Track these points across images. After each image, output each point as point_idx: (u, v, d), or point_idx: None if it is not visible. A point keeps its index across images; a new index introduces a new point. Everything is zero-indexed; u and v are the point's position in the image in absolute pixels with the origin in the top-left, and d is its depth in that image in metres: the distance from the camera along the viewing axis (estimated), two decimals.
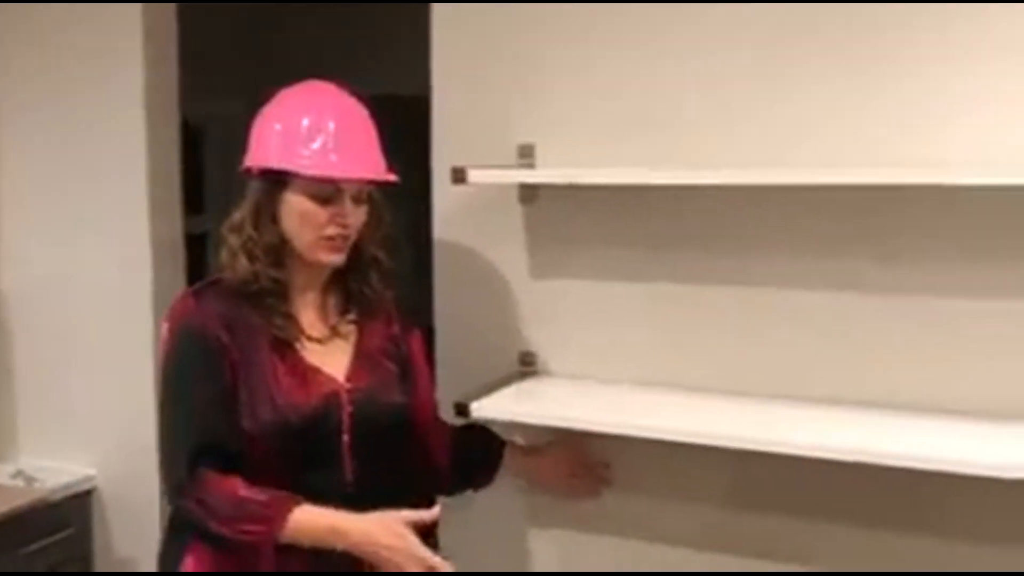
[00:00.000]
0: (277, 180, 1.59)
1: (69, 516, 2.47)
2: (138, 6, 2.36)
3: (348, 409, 1.61)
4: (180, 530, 1.63)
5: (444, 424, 1.83)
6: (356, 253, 1.66)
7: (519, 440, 1.93)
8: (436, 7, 2.00)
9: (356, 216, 1.61)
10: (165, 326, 1.64)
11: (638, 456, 1.88)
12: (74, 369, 2.53)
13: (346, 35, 3.49)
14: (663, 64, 1.84)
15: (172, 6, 2.44)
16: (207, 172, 3.88)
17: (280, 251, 1.61)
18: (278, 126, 1.61)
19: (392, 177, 1.65)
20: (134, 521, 2.49)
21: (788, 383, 1.79)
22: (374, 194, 1.66)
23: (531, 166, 1.91)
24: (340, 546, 1.52)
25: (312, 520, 1.52)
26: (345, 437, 1.60)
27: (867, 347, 1.74)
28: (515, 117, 1.94)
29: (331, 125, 1.59)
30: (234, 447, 1.55)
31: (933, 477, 1.51)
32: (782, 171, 1.69)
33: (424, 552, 1.52)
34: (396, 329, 1.73)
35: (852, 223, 1.73)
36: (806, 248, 1.77)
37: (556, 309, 1.96)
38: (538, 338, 1.98)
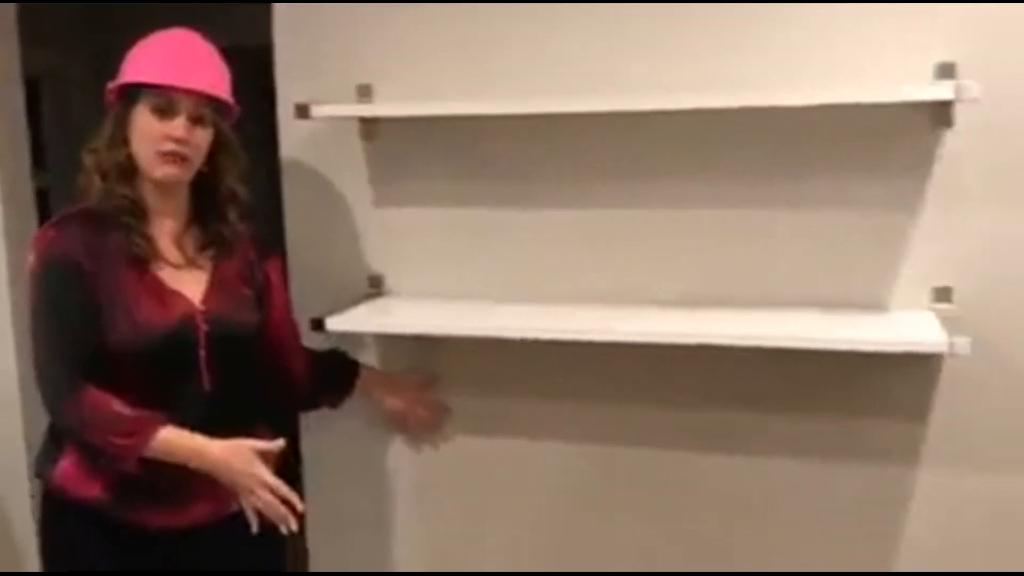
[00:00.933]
0: (128, 100, 1.73)
1: None
2: None
3: (204, 328, 1.76)
4: (56, 437, 1.77)
5: (302, 346, 2.02)
6: (213, 188, 1.81)
7: (374, 365, 2.15)
8: None
9: (194, 136, 1.73)
10: (30, 257, 1.74)
11: (477, 361, 2.13)
12: None
13: None
14: (487, 11, 2.04)
15: None
16: (45, 128, 3.84)
17: (130, 170, 1.74)
18: (132, 54, 1.77)
19: (227, 98, 1.77)
20: None
21: (612, 291, 2.04)
22: (225, 129, 1.79)
23: (368, 103, 2.09)
24: (197, 466, 1.69)
25: (175, 440, 1.68)
26: (202, 352, 1.76)
27: (691, 255, 2.00)
28: (353, 60, 2.11)
29: (176, 49, 1.76)
30: (105, 363, 1.69)
31: (770, 358, 1.84)
32: (599, 99, 1.92)
33: (271, 479, 1.70)
34: (252, 255, 1.89)
35: (673, 144, 1.97)
36: (631, 171, 2.01)
37: (399, 235, 2.16)
38: (384, 262, 2.18)
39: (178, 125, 1.71)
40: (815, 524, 2.02)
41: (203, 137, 1.75)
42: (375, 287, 2.18)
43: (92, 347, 1.69)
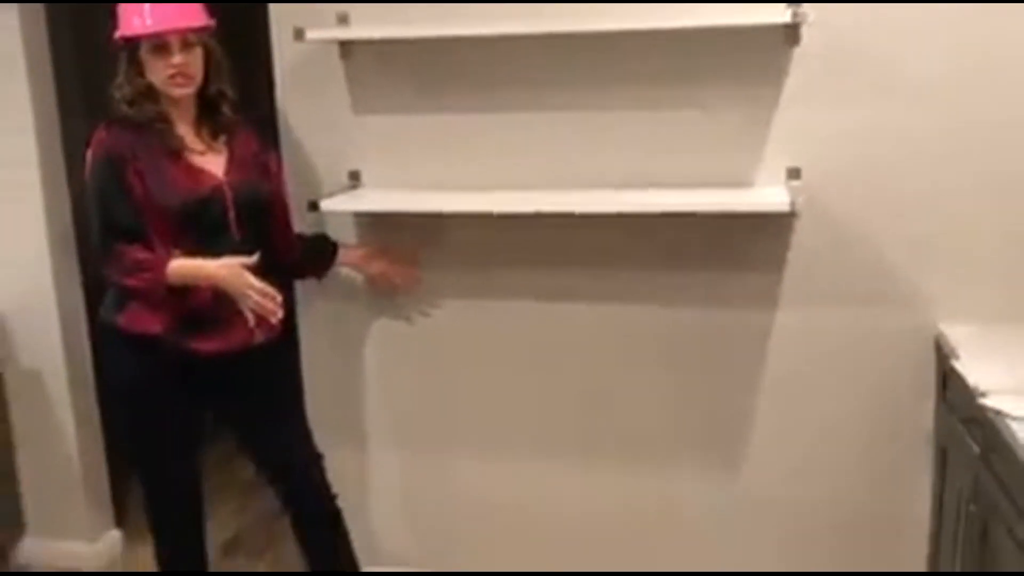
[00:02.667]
0: (131, 47, 2.21)
1: None
2: None
3: (230, 194, 2.29)
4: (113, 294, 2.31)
5: (291, 226, 2.54)
6: (205, 90, 2.29)
7: (352, 242, 2.68)
8: None
9: (188, 58, 2.21)
10: (88, 152, 2.26)
11: (438, 236, 2.66)
12: None
13: None
14: None
15: None
16: None
17: (149, 93, 2.23)
18: (121, 5, 2.23)
19: (202, 24, 2.22)
20: (34, 341, 3.05)
21: (548, 177, 2.55)
22: (210, 44, 2.27)
23: (346, 27, 2.57)
24: (203, 282, 2.21)
25: (184, 265, 2.22)
26: (231, 213, 2.29)
27: (614, 147, 2.50)
28: None
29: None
30: (133, 228, 2.20)
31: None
32: (534, 22, 2.40)
33: (257, 283, 2.20)
34: (256, 147, 2.41)
35: (594, 58, 2.46)
36: (559, 81, 2.51)
37: (372, 137, 2.67)
38: (360, 160, 2.69)
39: (174, 57, 2.21)
40: (699, 360, 2.60)
41: (196, 57, 2.24)
42: (354, 180, 2.70)
43: (128, 219, 2.20)
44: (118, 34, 2.23)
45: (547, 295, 2.67)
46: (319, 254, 2.61)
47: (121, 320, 2.28)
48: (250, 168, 2.36)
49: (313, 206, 2.52)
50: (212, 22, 2.28)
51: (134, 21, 2.20)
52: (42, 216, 2.95)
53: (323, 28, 2.54)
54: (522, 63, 2.54)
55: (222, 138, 2.34)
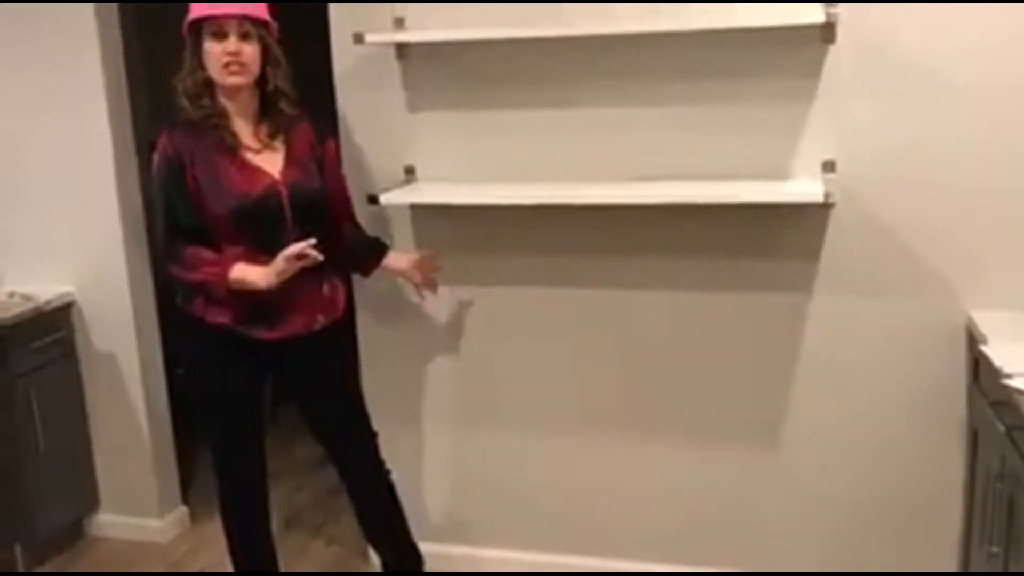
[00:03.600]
0: (195, 35, 2.34)
1: (58, 323, 3.19)
2: None
3: (285, 193, 2.40)
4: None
5: (353, 214, 2.67)
6: (264, 88, 2.40)
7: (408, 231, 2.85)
8: None
9: (244, 49, 2.29)
10: (154, 155, 2.41)
11: (488, 226, 2.80)
12: (48, 210, 3.18)
13: None
14: None
15: None
16: None
17: (208, 87, 2.35)
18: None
19: (260, 15, 2.32)
20: (108, 324, 3.25)
21: (592, 171, 2.67)
22: (268, 39, 2.37)
23: (403, 31, 2.73)
24: (251, 285, 2.34)
25: (237, 272, 2.34)
26: (288, 212, 2.41)
27: (648, 142, 2.62)
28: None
29: None
30: (194, 228, 2.35)
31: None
32: (576, 25, 2.53)
33: (280, 262, 2.30)
34: (313, 138, 2.51)
35: (631, 59, 2.57)
36: (603, 79, 2.63)
37: (426, 134, 2.81)
38: (415, 155, 2.84)
39: (230, 43, 2.32)
40: (736, 346, 2.72)
41: (252, 49, 2.34)
42: (409, 174, 2.85)
43: (189, 219, 2.34)
44: (186, 23, 2.34)
45: (589, 282, 2.80)
46: (368, 251, 2.70)
47: (194, 308, 2.45)
48: (307, 165, 2.46)
49: (372, 199, 2.68)
50: (271, 20, 2.40)
51: (200, 6, 2.31)
52: (115, 205, 3.14)
53: (380, 31, 2.69)
54: (565, 62, 2.66)
55: (280, 136, 2.44)
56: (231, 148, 2.37)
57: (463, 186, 2.77)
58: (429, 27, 2.70)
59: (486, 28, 2.62)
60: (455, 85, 2.76)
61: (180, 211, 2.36)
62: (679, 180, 2.62)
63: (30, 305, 3.09)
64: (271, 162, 2.42)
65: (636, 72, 2.64)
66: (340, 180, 2.62)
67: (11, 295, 3.16)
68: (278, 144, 2.44)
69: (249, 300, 2.38)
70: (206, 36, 2.32)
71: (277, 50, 2.41)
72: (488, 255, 2.85)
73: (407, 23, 2.73)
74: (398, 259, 2.71)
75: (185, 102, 2.36)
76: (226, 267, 2.35)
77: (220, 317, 2.43)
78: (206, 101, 2.36)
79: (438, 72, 2.76)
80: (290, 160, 2.44)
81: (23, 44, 3.09)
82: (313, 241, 2.34)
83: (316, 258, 2.34)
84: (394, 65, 2.78)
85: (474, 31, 2.63)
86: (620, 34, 2.55)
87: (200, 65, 2.35)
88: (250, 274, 2.35)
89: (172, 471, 3.44)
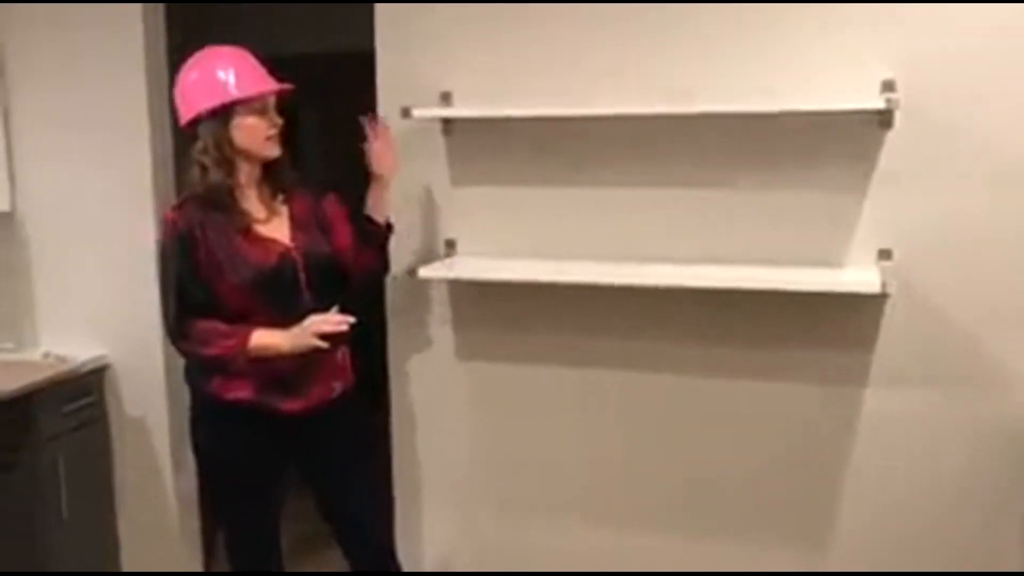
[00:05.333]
0: (222, 114, 2.30)
1: (90, 386, 3.16)
2: None
3: (299, 259, 2.37)
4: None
5: (360, 250, 2.54)
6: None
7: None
8: None
9: (278, 119, 2.34)
10: (160, 234, 2.39)
11: (526, 303, 2.74)
12: (83, 271, 3.18)
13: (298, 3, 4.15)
14: (542, 34, 2.64)
15: None
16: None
17: (234, 163, 2.33)
18: (194, 77, 2.34)
19: (290, 86, 2.36)
20: (140, 389, 3.21)
21: (634, 251, 2.62)
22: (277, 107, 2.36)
23: (449, 107, 2.71)
24: (276, 351, 2.28)
25: (262, 338, 2.29)
26: (302, 277, 2.37)
27: (692, 225, 2.57)
28: (436, 73, 2.72)
29: (241, 63, 2.34)
30: (206, 304, 2.30)
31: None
32: (627, 106, 2.51)
33: (313, 326, 2.27)
34: (312, 201, 2.48)
35: (680, 139, 2.54)
36: (648, 158, 2.60)
37: (469, 208, 2.78)
38: (457, 229, 2.80)
39: (274, 117, 2.34)
40: (782, 439, 2.61)
41: (278, 118, 2.37)
42: (450, 248, 2.80)
43: (197, 295, 2.29)
44: (208, 106, 2.28)
45: (629, 365, 2.72)
46: (371, 238, 2.56)
47: (212, 388, 2.37)
48: (312, 227, 2.43)
49: (412, 273, 2.63)
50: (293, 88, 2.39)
51: (230, 88, 2.28)
52: (154, 269, 3.11)
53: (428, 106, 2.67)
54: (612, 141, 2.63)
55: (280, 197, 2.42)
56: (243, 226, 2.35)
57: (503, 262, 2.72)
58: (476, 100, 2.68)
59: (532, 105, 2.60)
60: (499, 160, 2.73)
61: (192, 287, 2.31)
62: (726, 265, 2.54)
63: (64, 367, 3.07)
64: (278, 229, 2.40)
65: (683, 153, 2.59)
66: (349, 233, 2.51)
67: (46, 355, 3.14)
68: (279, 207, 2.43)
69: (268, 371, 2.33)
70: (244, 113, 2.31)
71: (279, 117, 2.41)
72: (525, 332, 2.79)
73: (454, 97, 2.71)
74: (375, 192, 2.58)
75: (200, 174, 2.32)
76: (243, 338, 2.30)
77: (240, 392, 2.35)
78: (220, 177, 2.32)
79: (483, 147, 2.73)
80: (295, 225, 2.43)
81: (69, 101, 3.12)
82: (352, 320, 2.31)
83: (343, 329, 2.31)
84: (439, 139, 2.76)
85: (519, 108, 2.60)
86: (667, 114, 2.51)
87: (228, 140, 2.31)
88: (274, 338, 2.30)
89: (196, 539, 3.37)
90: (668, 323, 2.67)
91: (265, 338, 2.31)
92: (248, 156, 2.35)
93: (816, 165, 2.49)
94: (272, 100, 2.35)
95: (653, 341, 2.69)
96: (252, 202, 2.39)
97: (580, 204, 2.69)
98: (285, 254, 2.36)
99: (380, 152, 2.54)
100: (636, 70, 2.58)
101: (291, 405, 2.37)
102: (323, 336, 2.29)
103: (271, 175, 2.42)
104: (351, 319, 2.31)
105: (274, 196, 2.42)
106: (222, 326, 2.31)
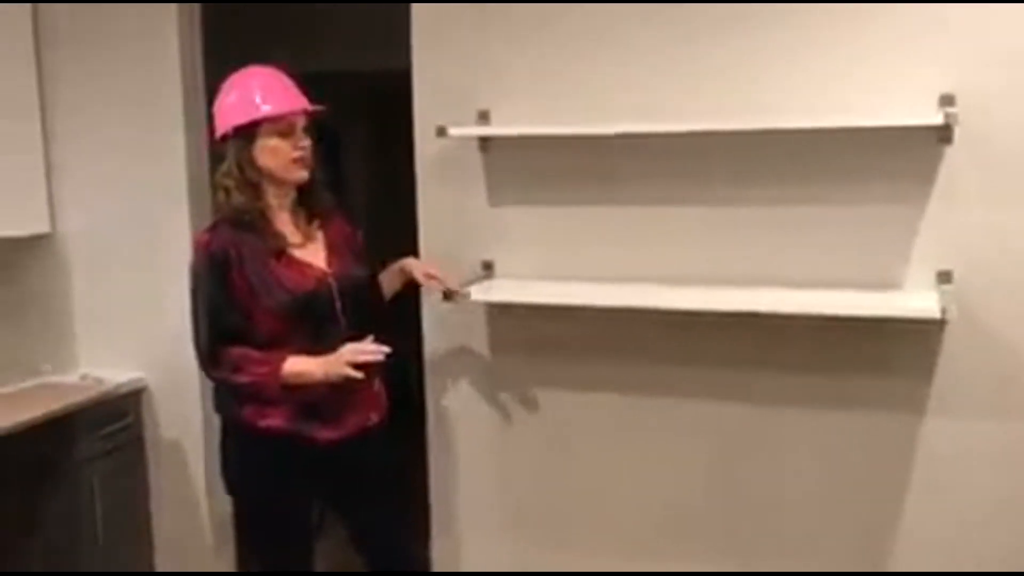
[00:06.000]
0: (247, 134, 2.25)
1: (127, 408, 3.14)
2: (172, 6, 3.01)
3: (335, 285, 2.31)
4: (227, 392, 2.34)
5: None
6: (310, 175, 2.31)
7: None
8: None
9: (306, 141, 2.26)
10: (192, 255, 2.32)
11: (568, 325, 2.65)
12: (121, 294, 3.17)
13: (336, 21, 4.13)
14: (585, 49, 2.56)
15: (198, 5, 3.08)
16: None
17: (259, 186, 2.27)
18: (232, 98, 2.29)
19: (318, 109, 2.29)
20: (176, 412, 3.19)
21: (679, 273, 2.53)
22: (312, 129, 2.30)
23: (487, 125, 2.64)
24: (311, 378, 2.20)
25: (296, 364, 2.21)
26: (338, 303, 2.31)
27: (741, 245, 2.47)
28: (473, 91, 2.65)
29: (270, 83, 2.28)
30: (238, 329, 2.23)
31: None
32: (669, 123, 2.42)
33: (349, 354, 2.18)
34: (348, 229, 2.44)
35: (729, 157, 2.44)
36: (694, 177, 2.51)
37: (507, 229, 2.71)
38: (495, 250, 2.72)
39: (300, 139, 2.27)
40: (837, 469, 2.48)
41: (309, 141, 2.29)
42: (487, 269, 2.73)
43: (229, 321, 2.22)
44: (236, 123, 2.23)
45: (675, 392, 2.61)
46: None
47: (245, 415, 2.30)
48: (348, 254, 2.39)
49: (448, 296, 2.56)
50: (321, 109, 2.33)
51: (260, 107, 2.23)
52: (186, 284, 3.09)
53: (464, 124, 2.61)
54: (654, 158, 2.54)
55: (316, 222, 2.37)
56: (277, 246, 2.29)
57: (542, 284, 2.64)
58: (514, 119, 2.61)
59: (571, 124, 2.52)
60: (538, 179, 2.66)
61: (224, 312, 2.24)
62: (776, 287, 2.43)
63: (101, 389, 3.05)
64: (315, 254, 2.35)
65: (729, 171, 2.49)
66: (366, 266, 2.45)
67: (83, 377, 3.13)
68: (315, 232, 2.37)
69: (304, 399, 2.26)
70: (268, 133, 2.25)
71: (315, 137, 2.35)
72: (566, 357, 2.70)
73: (492, 116, 2.65)
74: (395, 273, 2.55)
75: (227, 198, 2.27)
76: (277, 365, 2.23)
77: (274, 420, 2.27)
78: (251, 201, 2.27)
79: (521, 166, 2.66)
80: (331, 250, 2.37)
81: (107, 123, 3.13)
82: (387, 349, 2.24)
83: (379, 359, 2.23)
84: (477, 158, 2.70)
85: (558, 126, 2.53)
86: (713, 131, 2.42)
87: (251, 161, 2.26)
88: (308, 365, 2.23)
89: (230, 561, 3.31)
90: (713, 348, 2.56)
91: (299, 365, 2.24)
92: (273, 178, 2.29)
93: (870, 182, 2.37)
94: (300, 121, 2.28)
95: (697, 367, 2.59)
96: (287, 226, 2.33)
97: (622, 224, 2.60)
98: (322, 279, 2.30)
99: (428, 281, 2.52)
100: (679, 86, 2.50)
101: (327, 434, 2.30)
102: (357, 366, 2.21)
103: (306, 199, 2.35)
104: (386, 349, 2.23)
105: (310, 220, 2.36)
106: (254, 352, 2.24)
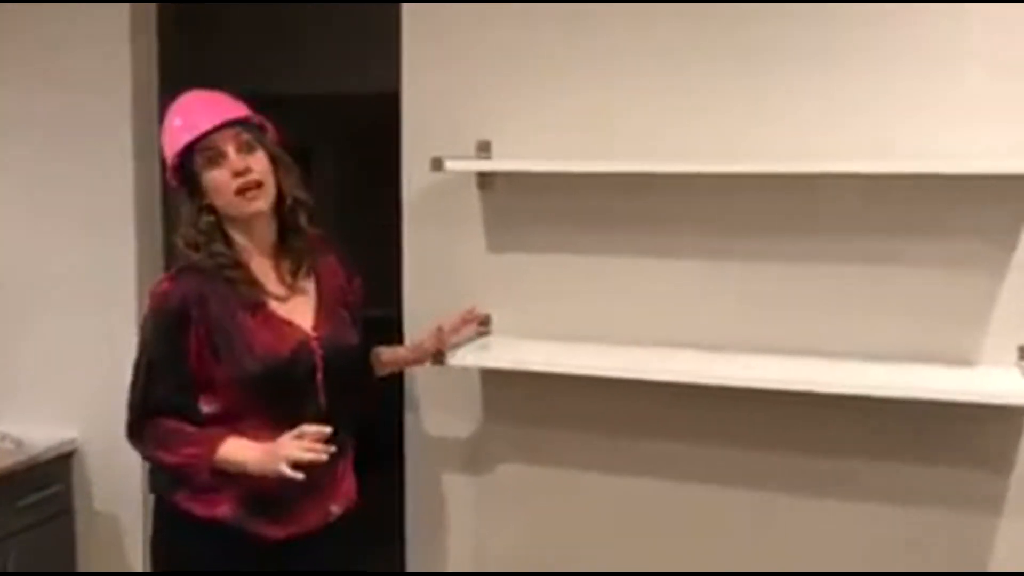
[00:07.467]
0: (186, 174, 1.90)
1: (55, 474, 2.70)
2: (125, 7, 2.60)
3: (319, 352, 1.93)
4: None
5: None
6: (280, 201, 1.94)
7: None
8: (406, 9, 2.33)
9: (250, 162, 1.87)
10: (148, 303, 1.94)
11: (572, 396, 2.27)
12: (53, 341, 2.75)
13: (318, 38, 3.72)
14: (602, 72, 2.22)
15: (153, 7, 2.69)
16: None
17: (217, 231, 1.89)
18: (163, 140, 1.95)
19: (248, 115, 1.91)
20: (114, 479, 2.74)
21: (703, 338, 2.18)
22: (269, 145, 1.93)
23: (488, 159, 2.27)
24: (246, 471, 1.83)
25: (236, 449, 1.83)
26: (319, 375, 1.93)
27: (779, 305, 2.14)
28: (474, 116, 2.29)
29: (187, 109, 1.92)
30: (182, 399, 1.87)
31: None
32: (683, 163, 2.08)
33: (289, 450, 1.79)
34: (343, 279, 2.06)
35: (770, 205, 2.12)
36: (726, 226, 2.16)
37: (508, 279, 2.33)
38: (492, 302, 2.34)
39: (233, 161, 1.87)
40: (903, 567, 2.11)
41: (259, 160, 1.89)
42: (484, 325, 2.34)
43: (174, 390, 1.86)
44: (169, 170, 1.92)
45: (703, 476, 2.24)
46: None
47: (180, 498, 1.91)
48: (340, 315, 2.02)
49: (438, 358, 2.16)
50: (263, 119, 1.96)
51: (175, 139, 1.90)
52: (135, 341, 2.69)
53: (462, 158, 2.23)
54: (683, 203, 2.19)
55: (305, 267, 1.99)
56: (255, 302, 1.91)
57: (545, 345, 2.25)
58: (520, 152, 2.25)
59: (587, 159, 2.17)
60: (546, 223, 2.29)
61: (171, 376, 1.87)
62: (820, 358, 2.08)
63: (22, 455, 2.61)
64: (300, 311, 1.96)
65: (772, 220, 2.15)
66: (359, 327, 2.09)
67: (2, 438, 2.68)
68: (304, 282, 1.99)
69: (249, 485, 1.86)
70: (201, 166, 1.88)
71: (286, 157, 1.96)
72: (567, 430, 2.32)
73: (493, 147, 2.27)
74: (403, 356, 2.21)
75: (192, 253, 1.90)
76: (210, 447, 1.84)
77: (214, 509, 1.89)
78: (219, 247, 1.90)
79: (526, 206, 2.29)
80: (322, 307, 1.99)
81: (45, 149, 2.73)
82: (332, 449, 1.84)
83: (322, 459, 1.82)
84: (475, 196, 2.32)
85: (572, 162, 2.17)
86: (757, 174, 2.06)
87: (202, 206, 1.90)
88: (245, 453, 1.84)
89: None
90: (743, 426, 2.19)
91: (235, 451, 1.85)
92: (229, 218, 1.91)
93: (940, 240, 2.03)
94: (229, 140, 1.87)
95: (724, 447, 2.22)
96: (268, 274, 1.94)
97: (640, 277, 2.24)
98: (304, 343, 1.91)
99: (449, 337, 2.15)
100: (711, 120, 2.15)
101: (275, 532, 1.90)
102: (298, 465, 1.80)
103: (289, 238, 1.96)
104: (331, 448, 1.83)
105: (296, 267, 1.97)
106: (189, 428, 1.86)
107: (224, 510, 1.88)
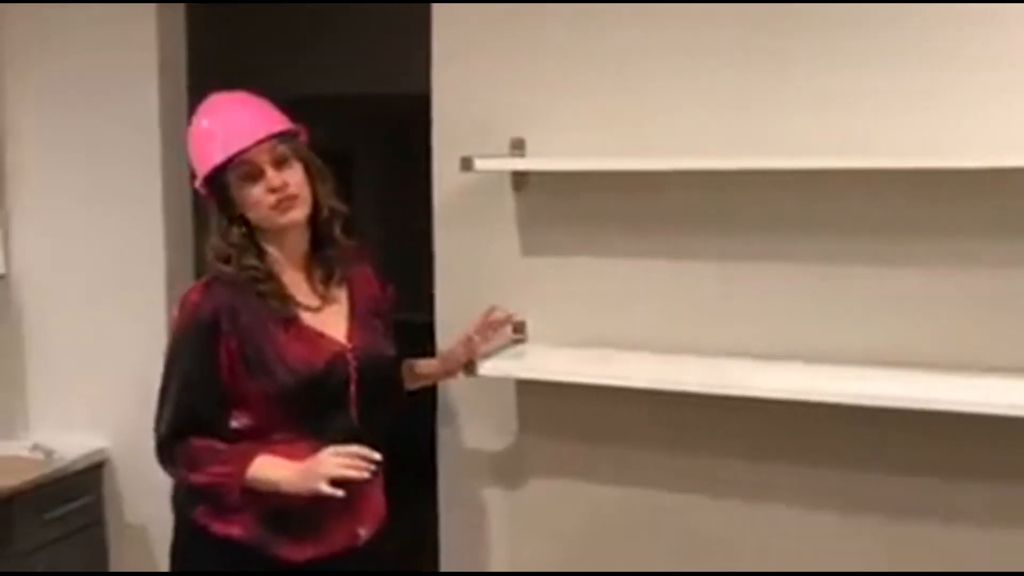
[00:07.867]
0: (219, 186, 1.81)
1: (85, 485, 2.66)
2: (152, 7, 2.55)
3: (354, 364, 1.84)
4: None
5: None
6: (316, 211, 1.86)
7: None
8: (436, 8, 2.24)
9: (287, 176, 1.80)
10: (175, 312, 1.86)
11: (606, 407, 2.15)
12: (85, 349, 2.71)
13: (349, 38, 3.66)
14: (639, 67, 2.11)
15: (182, 7, 2.63)
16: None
17: (250, 243, 1.82)
18: (192, 144, 1.86)
19: (286, 128, 1.83)
20: (146, 490, 2.67)
21: (753, 345, 2.06)
22: (305, 154, 1.85)
23: (522, 156, 2.16)
24: (279, 490, 1.75)
25: (269, 466, 1.75)
26: (352, 388, 1.84)
27: (832, 312, 2.02)
28: (507, 114, 2.19)
29: (221, 119, 1.83)
30: (213, 414, 1.79)
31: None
32: (731, 159, 1.97)
33: (314, 474, 1.71)
34: (377, 288, 1.98)
35: (824, 201, 2.00)
36: (778, 225, 2.04)
37: (543, 283, 2.22)
38: (527, 309, 2.23)
39: (271, 178, 1.78)
40: None
41: (295, 172, 1.81)
42: (517, 333, 2.23)
43: (203, 406, 1.78)
44: (199, 180, 1.84)
45: (749, 494, 2.11)
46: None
47: (198, 516, 1.83)
48: (374, 325, 1.93)
49: (469, 368, 2.06)
50: (300, 128, 1.87)
51: (209, 153, 1.81)
52: (162, 340, 2.63)
53: (494, 157, 2.13)
54: (734, 202, 2.07)
55: (337, 276, 1.90)
56: (286, 312, 1.83)
57: (581, 353, 2.15)
58: (556, 150, 2.14)
59: (628, 157, 2.05)
60: (584, 224, 2.18)
61: (200, 391, 1.79)
62: (890, 368, 1.93)
63: (52, 466, 2.57)
64: (334, 322, 1.87)
65: (837, 220, 2.01)
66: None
67: (34, 448, 2.65)
68: (337, 292, 1.91)
69: (269, 505, 1.78)
70: (236, 181, 1.80)
71: (319, 164, 1.88)
72: (605, 443, 2.21)
73: (528, 146, 2.16)
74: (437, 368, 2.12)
75: (223, 267, 1.82)
76: (242, 465, 1.76)
77: (233, 528, 1.80)
78: (250, 260, 1.82)
79: (562, 207, 2.19)
80: (355, 318, 1.91)
81: (77, 158, 2.70)
82: (377, 457, 1.76)
83: (365, 476, 1.74)
84: (509, 197, 2.21)
85: (610, 160, 2.05)
86: (808, 170, 1.92)
87: (233, 217, 1.82)
88: (278, 471, 1.75)
89: None
90: (801, 441, 2.06)
91: (267, 469, 1.76)
92: (262, 231, 1.84)
93: (1018, 240, 1.87)
94: (266, 154, 1.79)
95: (782, 463, 2.09)
96: (300, 286, 1.87)
97: (687, 281, 2.12)
98: (338, 355, 1.84)
99: (479, 346, 2.06)
100: (750, 117, 2.03)
101: (296, 553, 1.81)
102: (339, 482, 1.71)
103: (322, 248, 1.89)
104: (376, 458, 1.75)
105: (328, 277, 1.89)
106: (219, 445, 1.78)
107: (240, 529, 1.80)
